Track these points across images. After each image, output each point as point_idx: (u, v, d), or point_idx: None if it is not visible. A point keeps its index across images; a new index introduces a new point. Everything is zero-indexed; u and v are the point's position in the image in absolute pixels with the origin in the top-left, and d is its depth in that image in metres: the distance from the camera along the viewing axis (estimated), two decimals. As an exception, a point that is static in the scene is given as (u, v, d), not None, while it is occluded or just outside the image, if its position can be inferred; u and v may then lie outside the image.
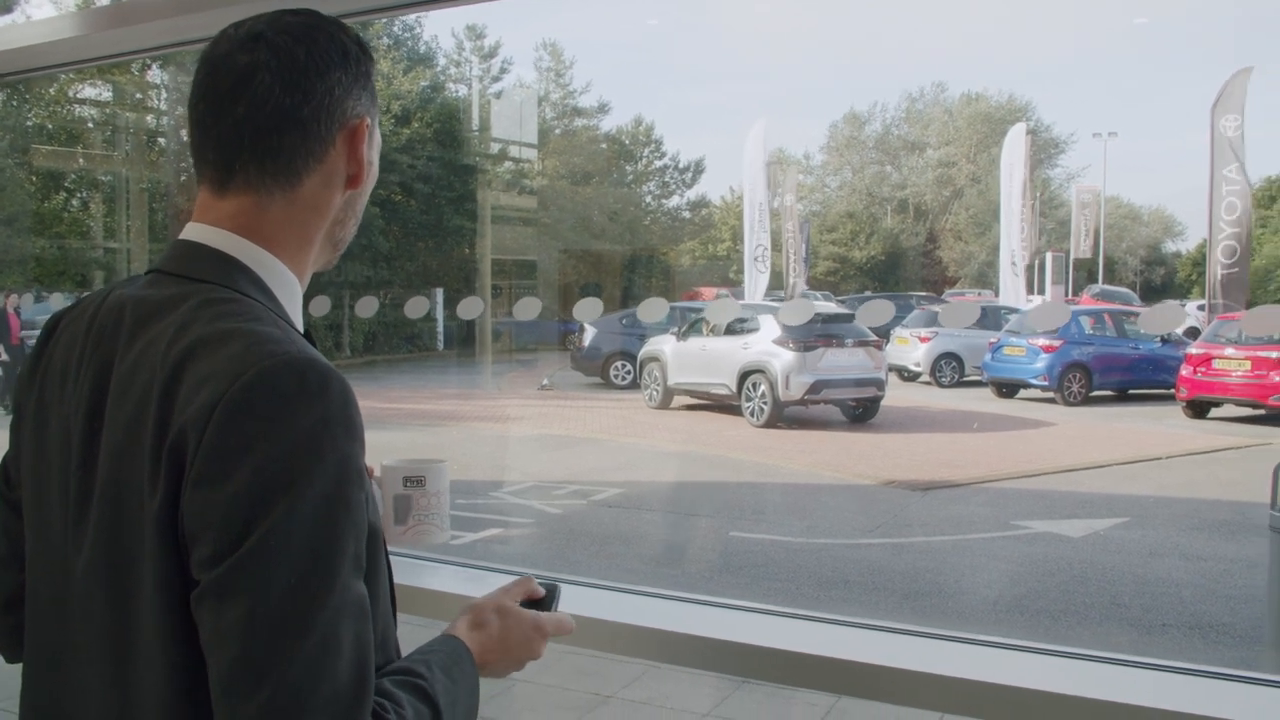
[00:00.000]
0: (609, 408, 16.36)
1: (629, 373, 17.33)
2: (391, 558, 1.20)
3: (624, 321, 17.64)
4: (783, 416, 13.83)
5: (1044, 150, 34.69)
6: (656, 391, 15.47)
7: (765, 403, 13.78)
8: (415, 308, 3.70)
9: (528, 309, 3.28)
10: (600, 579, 2.00)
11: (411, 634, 1.23)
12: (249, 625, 0.92)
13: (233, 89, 1.11)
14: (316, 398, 0.98)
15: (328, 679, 0.92)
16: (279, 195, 1.13)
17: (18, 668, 1.21)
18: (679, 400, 15.33)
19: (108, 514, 1.05)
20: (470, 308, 3.34)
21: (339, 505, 0.97)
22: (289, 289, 1.16)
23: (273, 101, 1.10)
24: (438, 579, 2.01)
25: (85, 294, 1.27)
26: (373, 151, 1.20)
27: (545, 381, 18.55)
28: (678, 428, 14.39)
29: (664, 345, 15.46)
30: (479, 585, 1.99)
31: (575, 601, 1.94)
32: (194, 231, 1.14)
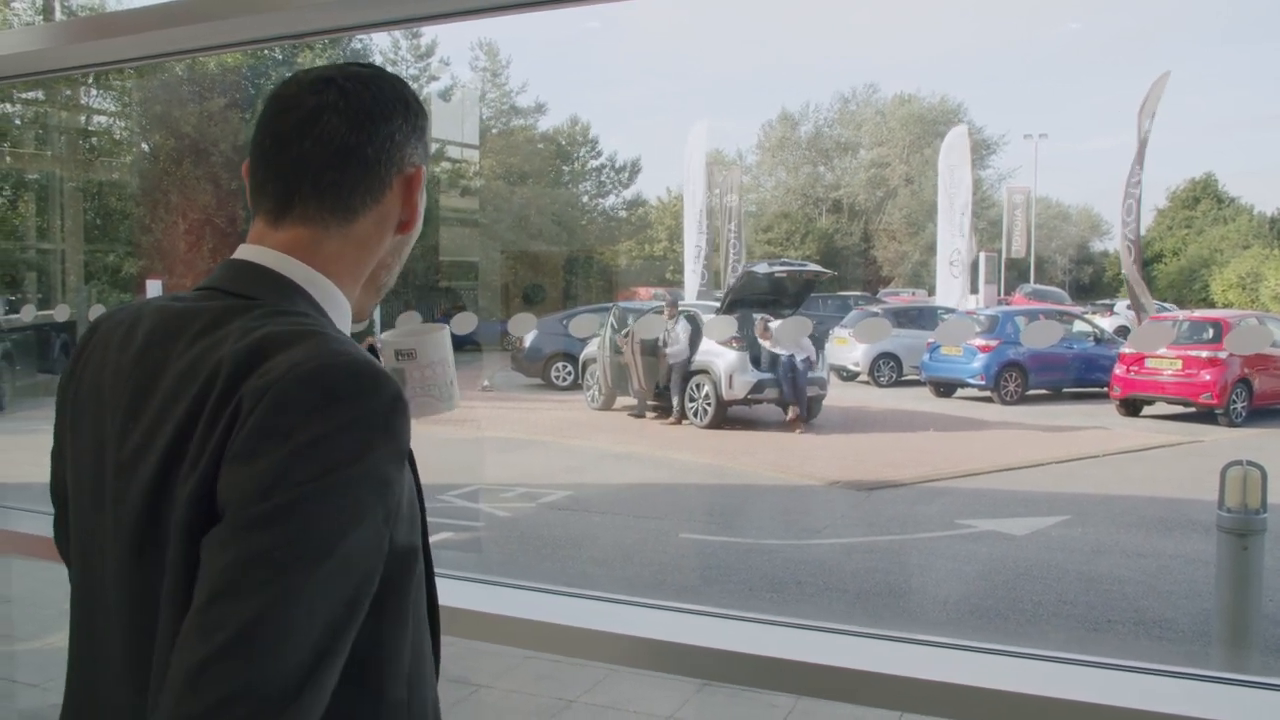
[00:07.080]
0: (551, 409, 16.33)
1: (570, 373, 17.31)
2: None
3: (564, 322, 17.58)
4: (726, 417, 13.90)
5: (976, 151, 35.17)
6: (599, 393, 15.48)
7: (709, 403, 13.85)
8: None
9: (464, 323, 3.28)
10: (556, 584, 2.02)
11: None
12: (229, 572, 0.93)
13: (299, 126, 1.15)
14: (363, 399, 1.00)
15: (275, 653, 0.92)
16: (335, 230, 1.17)
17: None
18: (621, 401, 15.34)
19: (145, 511, 1.05)
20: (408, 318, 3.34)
21: (350, 514, 0.97)
22: (341, 311, 1.18)
23: (339, 139, 1.15)
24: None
25: (121, 305, 1.27)
26: (421, 204, 1.25)
27: (486, 383, 18.43)
28: (621, 429, 14.41)
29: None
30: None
31: (535, 607, 1.96)
32: (249, 253, 1.17)
